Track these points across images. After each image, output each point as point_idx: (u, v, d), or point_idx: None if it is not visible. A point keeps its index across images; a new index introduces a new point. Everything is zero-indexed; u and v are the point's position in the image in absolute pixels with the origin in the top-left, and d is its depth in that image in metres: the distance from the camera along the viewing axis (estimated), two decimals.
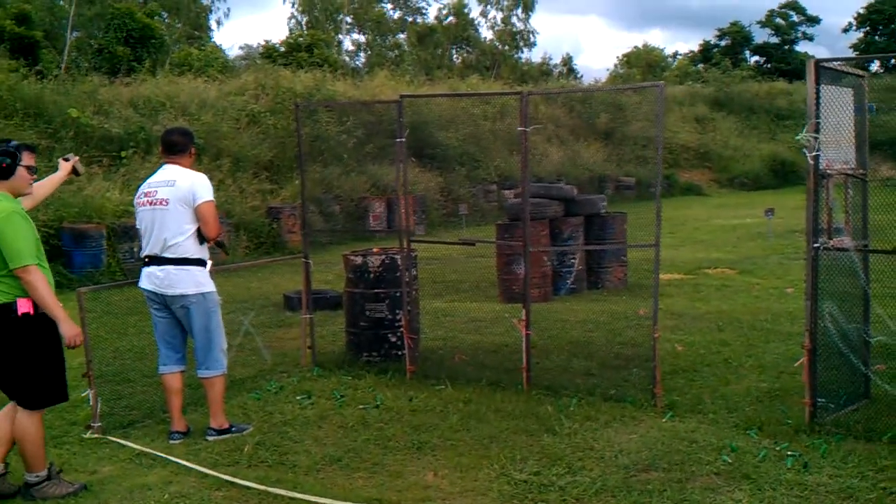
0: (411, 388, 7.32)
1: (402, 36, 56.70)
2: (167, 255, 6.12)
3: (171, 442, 6.28)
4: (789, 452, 5.48)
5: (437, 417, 6.53)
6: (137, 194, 6.32)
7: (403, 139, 7.78)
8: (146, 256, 6.23)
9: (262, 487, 5.22)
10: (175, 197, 6.08)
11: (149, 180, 6.34)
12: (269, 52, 35.18)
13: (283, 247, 17.99)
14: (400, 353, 7.93)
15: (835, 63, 6.29)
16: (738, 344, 8.58)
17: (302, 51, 33.93)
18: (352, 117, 22.73)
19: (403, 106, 7.79)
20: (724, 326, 9.40)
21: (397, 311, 7.99)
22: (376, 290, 8.10)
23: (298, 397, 7.16)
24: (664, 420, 6.25)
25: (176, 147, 6.32)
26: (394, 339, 8.05)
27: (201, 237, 6.19)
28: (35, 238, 5.06)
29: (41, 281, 4.96)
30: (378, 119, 22.06)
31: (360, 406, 6.86)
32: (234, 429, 6.30)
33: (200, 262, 6.21)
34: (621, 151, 32.11)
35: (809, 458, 5.38)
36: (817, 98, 5.84)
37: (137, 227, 6.37)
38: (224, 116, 21.41)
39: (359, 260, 8.21)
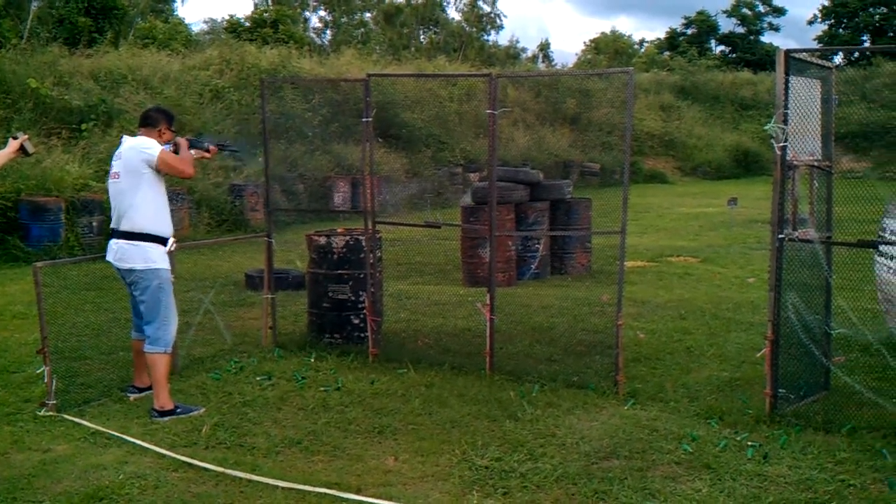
0: (373, 371, 7.27)
1: (368, 15, 56.29)
2: (122, 228, 6.23)
3: (126, 395, 6.57)
4: (749, 443, 5.50)
5: (398, 401, 6.48)
6: None
7: (370, 119, 7.68)
8: (111, 229, 6.37)
9: (220, 469, 5.15)
10: (125, 169, 6.20)
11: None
12: (233, 27, 34.73)
13: (245, 225, 17.78)
14: (362, 335, 7.87)
15: (804, 54, 6.29)
16: (700, 333, 8.62)
17: (267, 26, 33.54)
18: (317, 95, 22.50)
19: (370, 85, 7.69)
20: (687, 315, 9.44)
21: (360, 293, 7.92)
22: (340, 272, 8.02)
23: (258, 378, 7.07)
24: (626, 408, 6.25)
25: (144, 120, 6.45)
26: (356, 322, 7.98)
27: (161, 210, 6.24)
28: None
29: None
30: (344, 98, 21.86)
31: (321, 388, 6.79)
32: (178, 410, 6.18)
33: (154, 238, 6.21)
34: (586, 137, 32.12)
35: (769, 448, 5.41)
36: (786, 88, 5.84)
37: None
38: (187, 91, 21.09)
39: (322, 240, 8.12)
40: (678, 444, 5.50)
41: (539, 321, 8.97)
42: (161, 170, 6.21)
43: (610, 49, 56.26)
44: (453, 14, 59.17)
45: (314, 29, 54.22)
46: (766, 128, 5.95)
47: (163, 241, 6.26)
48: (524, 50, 61.57)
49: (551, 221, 12.46)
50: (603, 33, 60.10)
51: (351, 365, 7.46)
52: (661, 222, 19.46)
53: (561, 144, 30.65)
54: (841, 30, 55.27)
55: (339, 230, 8.54)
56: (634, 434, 5.71)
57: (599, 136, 32.04)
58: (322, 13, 55.66)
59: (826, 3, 56.17)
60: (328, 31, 55.13)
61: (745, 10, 60.99)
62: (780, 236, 5.94)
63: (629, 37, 62.06)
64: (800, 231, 6.15)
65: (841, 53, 50.70)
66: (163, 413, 6.12)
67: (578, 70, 44.53)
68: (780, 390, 6.03)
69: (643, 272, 12.44)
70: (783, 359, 6.05)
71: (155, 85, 20.68)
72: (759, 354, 6.36)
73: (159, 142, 6.31)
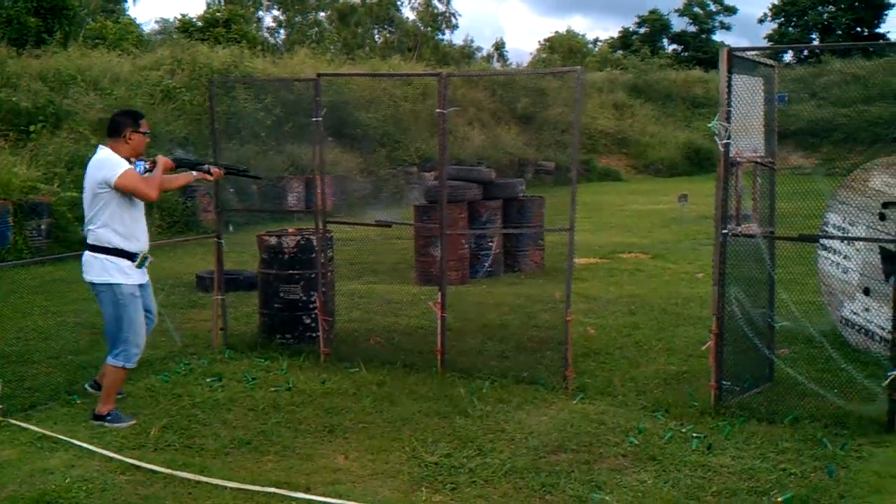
0: (325, 371, 7.26)
1: (322, 14, 56.04)
2: (87, 240, 6.11)
3: (87, 388, 6.56)
4: (694, 434, 5.60)
5: (349, 400, 6.49)
6: None
7: (320, 118, 7.68)
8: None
9: (168, 471, 5.12)
10: (88, 185, 6.04)
11: None
12: (185, 27, 34.35)
13: (197, 226, 17.63)
14: (314, 335, 7.86)
15: (748, 52, 6.40)
16: (648, 327, 8.73)
17: (220, 26, 33.23)
18: (270, 95, 22.39)
19: (321, 85, 7.68)
20: (636, 310, 9.55)
21: (312, 293, 7.91)
22: (291, 272, 8.00)
23: (208, 380, 7.04)
24: (574, 402, 6.32)
25: (109, 128, 6.18)
26: (308, 322, 7.97)
27: (127, 224, 6.07)
28: None
29: None
30: (297, 97, 21.76)
31: (272, 389, 6.78)
32: (108, 417, 6.03)
33: (115, 252, 6.03)
34: (541, 136, 32.30)
35: (713, 439, 5.51)
36: (729, 86, 5.94)
37: None
38: (138, 91, 20.87)
39: (273, 240, 8.10)
40: (625, 437, 5.58)
41: (491, 318, 9.03)
42: (124, 192, 5.95)
43: (564, 48, 56.50)
44: (408, 13, 59.16)
45: (268, 28, 53.89)
46: (710, 125, 6.05)
47: (129, 255, 6.08)
48: (479, 49, 61.73)
49: (504, 219, 12.54)
50: (557, 32, 60.40)
51: (302, 365, 7.45)
52: (613, 219, 19.64)
53: (516, 143, 30.78)
54: (791, 28, 56.12)
55: (290, 230, 8.52)
56: (582, 428, 5.78)
57: (554, 135, 32.23)
58: (276, 12, 55.34)
59: (776, 2, 57.02)
60: (282, 31, 54.84)
61: (697, 9, 61.76)
62: (724, 231, 6.05)
63: (583, 36, 62.47)
64: (743, 226, 6.26)
65: (791, 52, 51.57)
66: (96, 417, 6.06)
67: (529, 69, 44.77)
68: (725, 382, 6.14)
69: (595, 268, 12.56)
70: (728, 352, 6.16)
71: (105, 86, 20.43)
72: (704, 348, 6.46)
73: (127, 150, 6.05)
